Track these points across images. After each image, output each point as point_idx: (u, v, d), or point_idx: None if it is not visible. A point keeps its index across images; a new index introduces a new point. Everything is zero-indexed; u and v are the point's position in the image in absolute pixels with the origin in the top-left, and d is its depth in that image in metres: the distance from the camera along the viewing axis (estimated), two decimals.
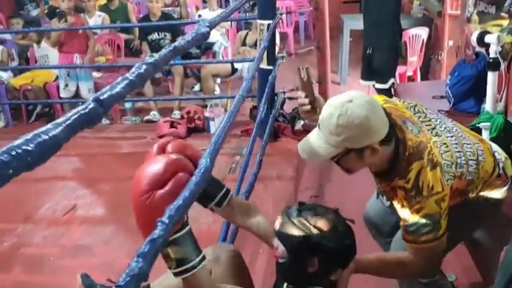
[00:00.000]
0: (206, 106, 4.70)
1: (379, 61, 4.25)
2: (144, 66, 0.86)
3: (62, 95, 5.12)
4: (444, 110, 3.52)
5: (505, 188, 1.61)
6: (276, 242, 1.26)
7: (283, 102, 4.30)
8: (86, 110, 0.65)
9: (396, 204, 1.47)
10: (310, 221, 1.22)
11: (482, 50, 3.11)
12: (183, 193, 0.97)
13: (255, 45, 4.75)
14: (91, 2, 5.68)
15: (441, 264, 1.56)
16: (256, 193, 2.85)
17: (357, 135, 1.34)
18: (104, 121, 5.04)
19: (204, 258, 1.07)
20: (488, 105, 2.83)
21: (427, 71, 5.72)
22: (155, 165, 1.02)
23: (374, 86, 4.39)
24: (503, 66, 2.89)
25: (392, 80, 4.30)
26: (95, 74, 5.43)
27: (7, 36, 5.85)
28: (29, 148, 0.53)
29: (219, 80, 5.59)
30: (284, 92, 4.33)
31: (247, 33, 5.32)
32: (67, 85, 5.09)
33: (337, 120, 1.33)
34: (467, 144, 1.53)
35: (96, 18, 5.64)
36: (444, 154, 1.44)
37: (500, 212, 1.73)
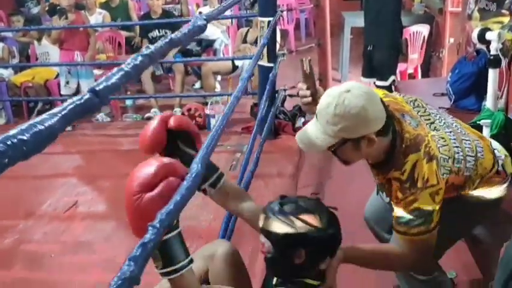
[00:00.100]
0: (207, 103, 4.70)
1: (380, 58, 4.24)
2: (140, 58, 0.86)
3: (63, 92, 5.13)
4: (445, 107, 3.51)
5: (505, 186, 1.61)
6: (263, 238, 1.26)
7: (284, 100, 4.30)
8: (82, 101, 0.65)
9: (391, 196, 1.47)
10: (293, 214, 1.22)
11: (483, 47, 3.10)
12: (174, 198, 0.98)
13: (255, 42, 4.75)
14: (92, 0, 5.68)
15: (431, 258, 1.54)
16: (257, 190, 2.85)
17: (354, 125, 1.35)
18: (105, 118, 5.04)
19: (191, 261, 1.08)
20: (488, 102, 2.83)
21: (428, 68, 5.72)
22: (147, 168, 1.04)
23: (374, 83, 4.39)
24: (504, 63, 2.89)
25: (392, 77, 4.29)
26: (96, 72, 5.43)
27: (8, 34, 5.86)
28: (25, 138, 0.53)
29: (219, 78, 5.59)
30: (285, 90, 4.33)
31: (247, 31, 5.32)
32: (67, 82, 5.10)
33: (334, 109, 1.34)
34: (466, 140, 1.53)
35: (97, 16, 5.64)
36: (441, 148, 1.44)
37: (500, 209, 1.73)
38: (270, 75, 3.68)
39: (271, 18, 3.83)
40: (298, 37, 7.71)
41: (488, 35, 2.77)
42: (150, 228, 0.88)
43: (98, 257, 2.69)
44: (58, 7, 5.10)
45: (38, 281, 2.54)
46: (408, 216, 1.40)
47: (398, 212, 1.43)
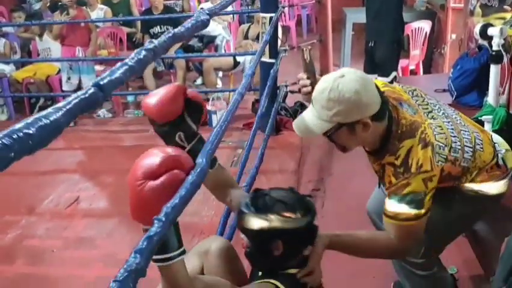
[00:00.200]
0: (208, 99, 4.70)
1: (381, 54, 4.23)
2: (143, 52, 0.86)
3: (64, 88, 5.13)
4: (446, 103, 3.50)
5: (505, 181, 1.61)
6: (241, 234, 1.27)
7: (285, 96, 4.30)
8: (86, 95, 0.65)
9: (385, 182, 1.47)
10: (266, 207, 1.22)
11: (485, 43, 3.09)
12: (179, 192, 0.98)
13: (257, 38, 4.74)
14: None
15: (416, 246, 1.52)
16: (259, 186, 2.82)
17: (348, 109, 1.36)
18: (107, 114, 5.05)
19: (184, 252, 1.08)
20: (490, 98, 2.83)
21: (430, 64, 5.71)
22: (154, 157, 1.04)
23: (376, 79, 4.38)
24: (506, 59, 2.88)
25: (394, 73, 4.28)
26: (98, 67, 5.43)
27: (9, 29, 5.86)
28: (30, 132, 0.53)
29: (220, 74, 5.58)
30: (286, 86, 4.33)
31: (249, 27, 5.32)
32: (69, 78, 5.10)
33: (328, 94, 1.36)
34: (465, 131, 1.53)
35: (98, 12, 5.64)
36: (437, 135, 1.45)
37: (502, 205, 1.73)
38: (272, 71, 3.68)
39: (273, 14, 3.83)
40: (300, 33, 7.70)
41: (490, 31, 2.76)
42: (156, 221, 0.88)
43: (99, 253, 2.70)
44: (60, 3, 5.10)
45: (39, 276, 2.55)
46: (400, 201, 1.41)
47: (390, 196, 1.44)
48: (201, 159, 1.11)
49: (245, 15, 6.65)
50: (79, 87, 5.13)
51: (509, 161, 1.62)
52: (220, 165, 1.44)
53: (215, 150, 1.30)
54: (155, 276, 1.06)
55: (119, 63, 0.81)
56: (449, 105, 1.75)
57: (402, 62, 4.99)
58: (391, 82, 4.26)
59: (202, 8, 6.08)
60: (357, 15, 5.57)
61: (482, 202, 1.61)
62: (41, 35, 5.37)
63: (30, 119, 0.56)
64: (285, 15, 6.96)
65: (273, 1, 3.97)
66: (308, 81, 1.61)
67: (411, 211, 1.40)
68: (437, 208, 1.56)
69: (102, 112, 5.02)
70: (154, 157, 1.04)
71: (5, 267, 2.66)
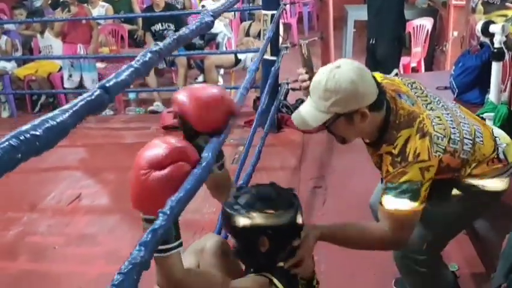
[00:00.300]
0: None
1: (382, 52, 4.24)
2: (149, 55, 0.87)
3: (66, 85, 5.14)
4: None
5: (507, 177, 1.61)
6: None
7: (286, 93, 4.29)
8: (93, 97, 0.66)
9: (383, 172, 1.47)
10: (248, 205, 1.22)
11: (487, 40, 3.09)
12: (184, 185, 0.98)
13: (258, 35, 4.74)
14: None
15: (409, 237, 1.49)
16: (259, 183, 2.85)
17: (345, 99, 1.37)
18: (108, 112, 5.05)
19: (181, 244, 1.08)
20: (492, 96, 2.83)
21: (431, 62, 5.70)
22: (160, 148, 1.03)
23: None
24: (507, 56, 2.88)
25: (395, 71, 4.28)
26: (99, 65, 5.43)
27: (11, 27, 5.86)
28: (37, 133, 0.54)
29: (222, 71, 5.58)
30: (288, 83, 4.33)
31: (250, 24, 5.31)
32: (70, 75, 5.11)
33: (325, 85, 1.37)
34: (465, 123, 1.54)
35: (99, 9, 5.64)
36: (436, 126, 1.45)
37: (503, 202, 1.74)
38: (273, 68, 3.68)
39: (274, 12, 3.83)
40: (302, 30, 7.69)
41: (492, 28, 2.76)
42: (160, 214, 0.89)
43: (101, 249, 2.70)
44: (61, 0, 5.10)
45: (41, 273, 2.56)
46: (395, 189, 1.41)
47: (386, 185, 1.44)
48: (207, 153, 1.10)
49: (246, 13, 6.64)
50: (81, 85, 5.14)
51: (510, 155, 1.62)
52: (224, 166, 1.43)
53: (222, 144, 1.28)
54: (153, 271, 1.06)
55: (125, 66, 0.81)
56: None
57: (404, 60, 4.98)
58: None
59: (203, 6, 6.09)
60: (359, 13, 5.57)
61: (483, 198, 1.61)
62: (42, 33, 5.37)
63: (37, 121, 0.57)
64: (286, 13, 6.95)
65: None
66: (307, 76, 1.62)
67: (407, 201, 1.40)
68: (438, 204, 1.57)
69: None
70: (160, 147, 1.03)
71: (8, 264, 2.67)
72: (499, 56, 2.77)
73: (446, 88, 3.84)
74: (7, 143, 0.50)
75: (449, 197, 1.60)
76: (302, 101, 4.28)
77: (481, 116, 2.58)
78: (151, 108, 5.07)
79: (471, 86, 3.57)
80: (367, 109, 1.39)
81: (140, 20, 5.79)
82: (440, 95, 1.66)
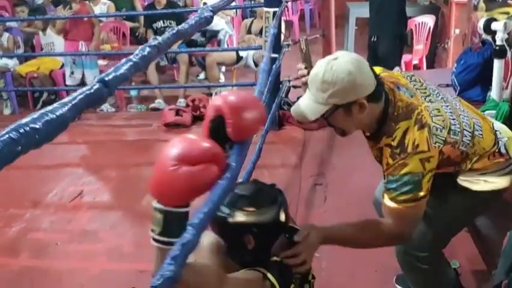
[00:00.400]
0: (211, 94, 4.70)
1: (384, 49, 4.24)
2: (148, 49, 0.87)
3: (67, 82, 5.14)
4: None
5: (508, 175, 1.61)
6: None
7: (288, 91, 4.29)
8: (92, 91, 0.66)
9: (383, 165, 1.47)
10: (230, 204, 1.22)
11: (489, 38, 3.09)
12: (211, 197, 0.97)
13: (260, 33, 4.73)
14: None
15: (413, 231, 1.49)
16: (261, 180, 2.85)
17: (342, 90, 1.37)
18: (110, 109, 5.06)
19: None
20: (494, 93, 2.83)
21: (433, 59, 5.70)
22: (194, 144, 1.01)
23: None
24: (509, 53, 2.88)
25: (397, 68, 4.28)
26: (101, 62, 5.44)
27: (13, 24, 5.86)
28: (37, 126, 0.54)
29: (223, 68, 5.58)
30: (289, 80, 4.33)
31: (252, 21, 5.31)
32: (72, 73, 5.11)
33: (322, 76, 1.38)
34: (464, 116, 1.54)
35: (101, 6, 5.64)
36: (434, 117, 1.45)
37: (504, 199, 1.74)
38: (274, 66, 3.67)
39: (276, 9, 3.82)
40: (303, 28, 7.69)
41: (494, 26, 2.76)
42: (189, 227, 0.89)
43: (103, 246, 2.71)
44: None
45: (44, 269, 2.57)
46: (397, 182, 1.41)
47: (388, 178, 1.44)
48: (234, 164, 1.07)
49: (248, 10, 6.63)
50: (82, 82, 5.14)
51: (511, 149, 1.61)
52: None
53: (247, 150, 1.23)
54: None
55: (124, 60, 0.81)
56: None
57: (406, 57, 4.98)
58: None
59: (205, 3, 6.09)
60: (361, 10, 5.57)
61: (484, 197, 1.61)
62: (44, 30, 5.37)
63: (36, 114, 0.57)
64: (288, 10, 6.95)
65: None
66: (306, 71, 1.62)
67: (410, 194, 1.40)
68: (440, 201, 1.57)
69: (105, 106, 5.03)
70: (194, 144, 1.01)
71: (10, 260, 2.68)
72: (500, 53, 2.77)
73: (448, 85, 3.83)
74: (7, 135, 0.50)
75: (450, 196, 1.60)
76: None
77: (483, 113, 2.58)
78: (152, 105, 5.07)
79: (473, 84, 3.57)
80: (365, 100, 1.39)
81: (142, 18, 5.79)
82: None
